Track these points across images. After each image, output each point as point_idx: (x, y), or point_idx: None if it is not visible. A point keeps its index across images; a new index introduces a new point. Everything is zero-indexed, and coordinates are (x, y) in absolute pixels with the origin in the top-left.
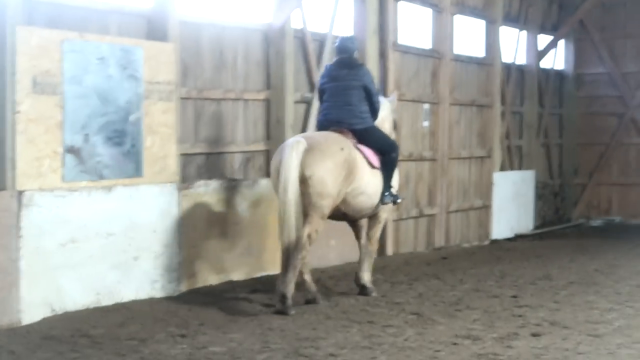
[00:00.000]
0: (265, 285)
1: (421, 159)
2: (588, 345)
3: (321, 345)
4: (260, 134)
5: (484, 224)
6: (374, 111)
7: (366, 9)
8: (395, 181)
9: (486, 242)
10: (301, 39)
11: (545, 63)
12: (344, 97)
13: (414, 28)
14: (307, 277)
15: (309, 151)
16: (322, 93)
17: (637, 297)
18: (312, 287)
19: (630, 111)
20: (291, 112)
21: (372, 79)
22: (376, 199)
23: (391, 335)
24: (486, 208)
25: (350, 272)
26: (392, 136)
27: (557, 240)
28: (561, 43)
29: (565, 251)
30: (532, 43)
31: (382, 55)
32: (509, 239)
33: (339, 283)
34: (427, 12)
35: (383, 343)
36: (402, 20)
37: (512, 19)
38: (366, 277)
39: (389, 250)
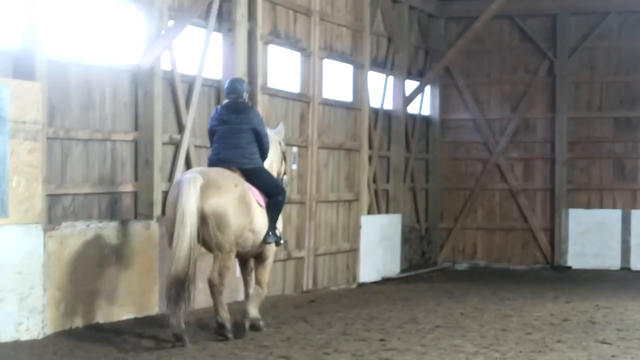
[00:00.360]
0: (131, 328)
1: (289, 202)
2: None
3: None
4: (128, 175)
5: (352, 267)
6: (263, 152)
7: (235, 51)
8: (279, 223)
9: (354, 285)
10: (170, 80)
11: (412, 108)
12: (233, 139)
13: (283, 71)
14: (223, 313)
15: (206, 187)
16: (212, 134)
17: (502, 341)
18: (228, 322)
19: (494, 157)
20: (160, 154)
21: (261, 120)
22: (261, 237)
23: None
24: (354, 251)
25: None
26: (283, 168)
27: (424, 283)
28: (427, 89)
29: (431, 294)
30: (399, 88)
31: (251, 98)
32: (376, 282)
33: (207, 325)
34: (296, 56)
35: None
36: (272, 64)
37: (380, 64)
38: (253, 312)
39: None
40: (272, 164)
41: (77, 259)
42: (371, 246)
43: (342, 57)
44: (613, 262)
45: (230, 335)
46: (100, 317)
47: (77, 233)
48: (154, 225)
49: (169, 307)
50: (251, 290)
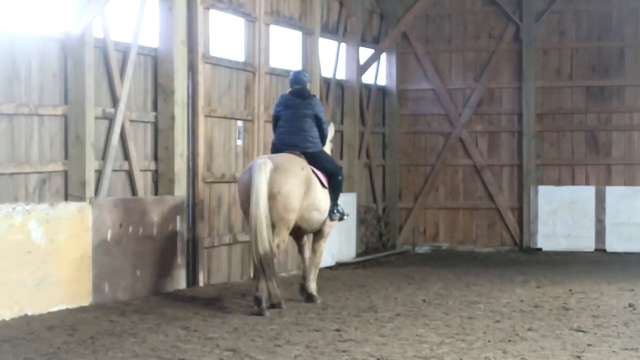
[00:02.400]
0: (63, 320)
1: (234, 180)
2: None
3: None
4: (58, 153)
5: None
6: (324, 137)
7: (173, 17)
8: (340, 200)
9: None
10: (102, 49)
11: (367, 78)
12: (298, 123)
13: (226, 39)
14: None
15: (275, 170)
16: (276, 120)
17: (468, 330)
18: (278, 292)
19: (456, 130)
20: (92, 129)
21: (322, 108)
22: (325, 215)
23: None
24: None
25: (158, 304)
26: None
27: (382, 268)
28: (383, 57)
29: (390, 280)
30: (352, 56)
31: (191, 68)
32: (330, 268)
33: (146, 317)
34: (240, 22)
35: None
36: (213, 30)
37: (331, 30)
38: (312, 286)
39: (201, 280)
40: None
41: (2, 245)
42: None
43: (290, 22)
44: (586, 243)
45: (266, 313)
46: (29, 309)
47: (1, 216)
48: (87, 207)
49: (256, 280)
50: (307, 262)
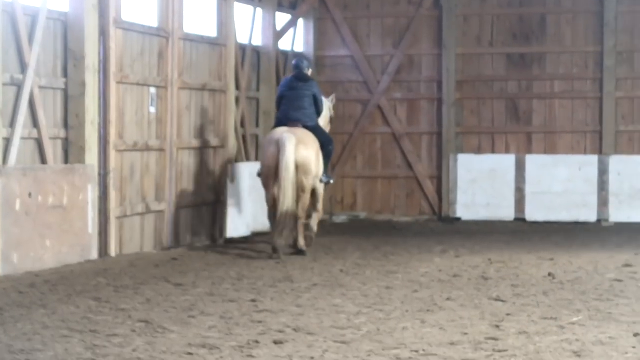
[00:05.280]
0: None
1: (147, 148)
2: (335, 353)
3: (38, 359)
4: None
5: (218, 221)
6: (319, 113)
7: None
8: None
9: (221, 241)
10: (10, 13)
11: (284, 44)
12: (299, 102)
13: (139, 3)
14: (302, 240)
15: (297, 143)
16: (280, 99)
17: (386, 300)
18: (303, 243)
19: (375, 97)
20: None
21: (319, 89)
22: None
23: (117, 346)
24: (220, 203)
25: (68, 275)
26: (328, 128)
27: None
28: (300, 22)
29: (307, 250)
30: (268, 22)
31: (103, 33)
32: (245, 238)
33: (56, 288)
34: None
35: (108, 355)
36: None
37: None
38: (314, 225)
39: (112, 251)
40: (320, 122)
41: None
42: (239, 198)
43: None
44: (506, 212)
45: (280, 259)
46: None
47: None
48: None
49: (276, 232)
50: (313, 215)
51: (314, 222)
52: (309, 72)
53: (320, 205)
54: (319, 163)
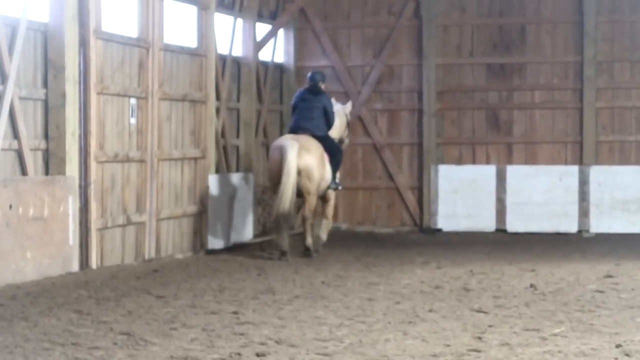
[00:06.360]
0: None
1: (128, 160)
2: None
3: None
4: None
5: (199, 232)
6: (329, 124)
7: None
8: (338, 174)
9: (202, 253)
10: None
11: (264, 55)
12: (310, 113)
13: (119, 14)
14: (309, 239)
15: (300, 149)
16: (294, 108)
17: (368, 312)
18: (312, 244)
19: (355, 108)
20: None
21: (330, 102)
22: (328, 184)
23: (99, 359)
24: (201, 214)
25: (49, 287)
26: (345, 133)
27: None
28: (281, 33)
29: (288, 262)
30: (249, 32)
31: (83, 44)
32: (227, 249)
33: (37, 300)
34: None
35: None
36: (106, 4)
37: (227, 5)
38: (324, 235)
39: (93, 262)
40: (336, 129)
41: None
42: (220, 209)
43: None
44: (487, 223)
45: (287, 260)
46: None
47: None
48: None
49: (276, 233)
50: (323, 223)
51: (323, 232)
52: (323, 85)
53: (330, 212)
54: (324, 168)
